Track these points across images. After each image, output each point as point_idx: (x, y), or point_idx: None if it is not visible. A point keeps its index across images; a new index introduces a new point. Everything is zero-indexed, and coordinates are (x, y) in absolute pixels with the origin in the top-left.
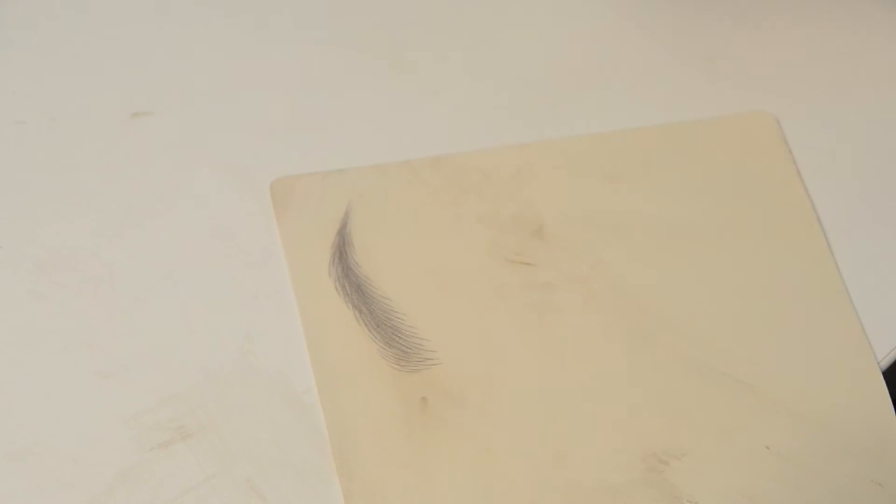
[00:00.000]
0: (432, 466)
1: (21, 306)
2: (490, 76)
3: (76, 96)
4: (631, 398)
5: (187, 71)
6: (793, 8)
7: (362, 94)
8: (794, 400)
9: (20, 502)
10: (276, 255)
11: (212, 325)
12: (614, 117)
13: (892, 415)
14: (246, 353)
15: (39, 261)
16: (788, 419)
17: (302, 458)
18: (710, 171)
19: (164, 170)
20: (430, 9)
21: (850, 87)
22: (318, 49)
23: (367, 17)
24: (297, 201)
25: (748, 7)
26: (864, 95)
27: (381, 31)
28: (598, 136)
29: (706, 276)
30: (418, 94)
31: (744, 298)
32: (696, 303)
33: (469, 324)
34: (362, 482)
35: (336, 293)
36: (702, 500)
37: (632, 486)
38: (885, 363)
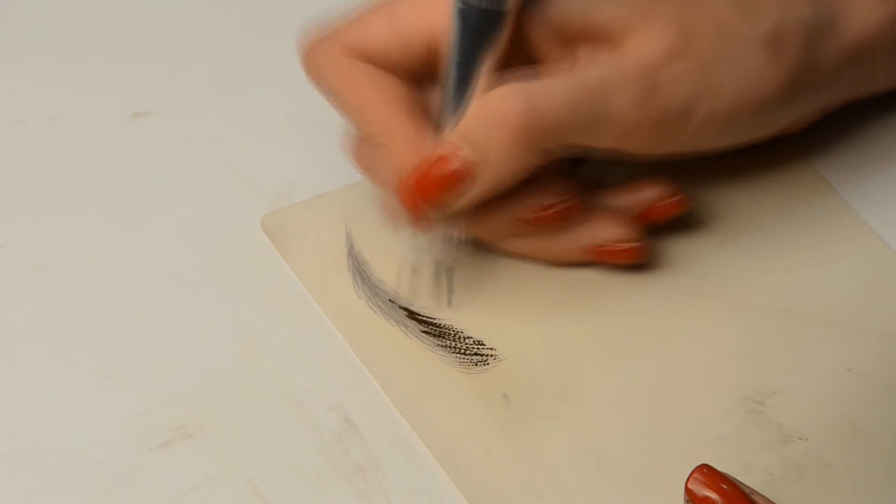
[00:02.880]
0: (541, 456)
1: (21, 306)
2: None
3: (76, 96)
4: (705, 352)
5: (187, 71)
6: None
7: None
8: (852, 319)
9: (20, 502)
10: (277, 255)
11: (212, 325)
12: None
13: None
14: (246, 353)
15: (39, 261)
16: (857, 338)
17: (302, 458)
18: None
19: (164, 170)
20: None
21: None
22: None
23: None
24: (293, 233)
25: None
26: None
27: None
28: None
29: (736, 229)
30: None
31: (775, 242)
32: (738, 254)
33: (515, 312)
34: (484, 486)
35: (374, 313)
36: (810, 434)
37: (740, 430)
38: None
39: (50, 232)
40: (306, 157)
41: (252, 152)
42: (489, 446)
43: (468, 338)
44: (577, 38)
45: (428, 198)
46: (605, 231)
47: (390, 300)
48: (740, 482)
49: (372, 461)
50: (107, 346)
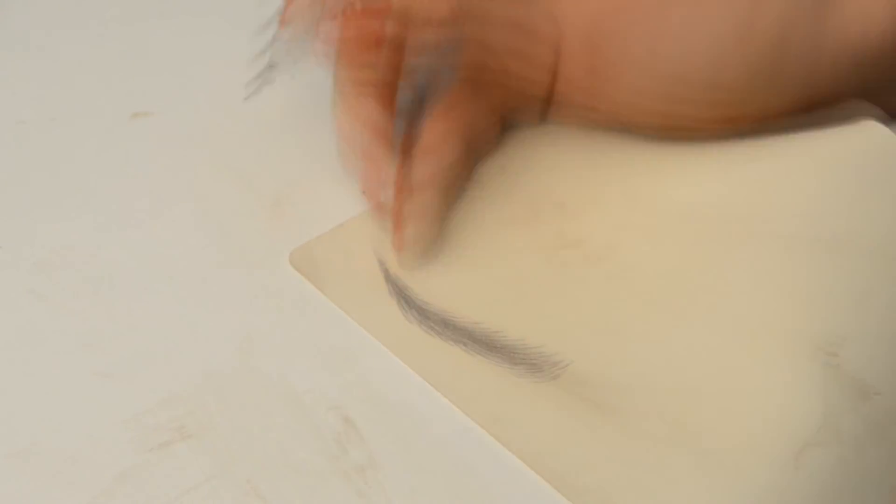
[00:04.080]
0: (634, 453)
1: (21, 306)
2: None
3: (76, 96)
4: (757, 299)
5: (187, 71)
6: None
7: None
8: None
9: (20, 502)
10: (277, 255)
11: (212, 325)
12: None
13: None
14: (246, 353)
15: (39, 261)
16: None
17: (302, 458)
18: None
19: (164, 170)
20: None
21: None
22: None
23: None
24: (324, 266)
25: None
26: None
27: None
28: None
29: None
30: None
31: (799, 164)
32: (760, 182)
33: (566, 316)
34: (587, 492)
35: (431, 336)
36: (883, 387)
37: (822, 390)
38: None
39: (50, 232)
40: (306, 156)
41: (252, 152)
42: (584, 449)
43: (529, 347)
44: None
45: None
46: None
47: (444, 320)
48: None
49: (372, 461)
50: (107, 346)
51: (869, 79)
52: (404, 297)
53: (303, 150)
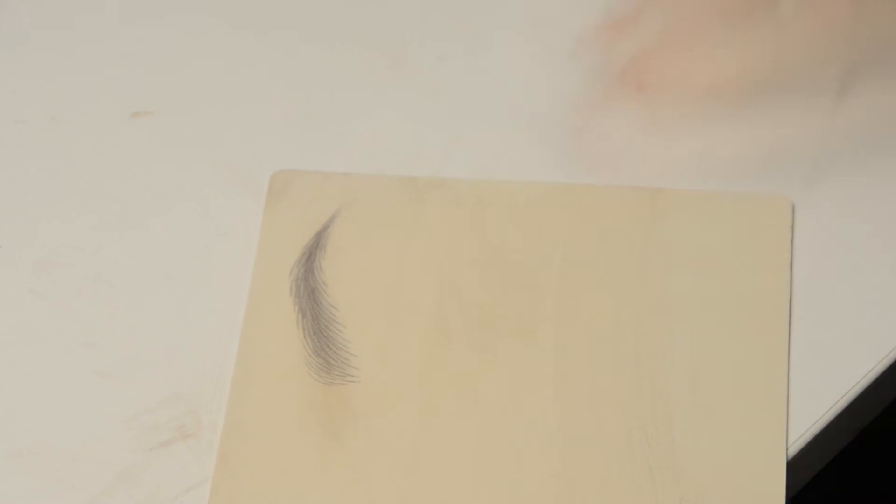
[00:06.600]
0: (308, 481)
1: (21, 306)
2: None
3: (76, 96)
4: (532, 459)
5: (187, 71)
6: None
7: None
8: (687, 492)
9: (20, 502)
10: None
11: (212, 325)
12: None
13: None
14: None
15: (39, 261)
16: None
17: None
18: (704, 246)
19: (164, 170)
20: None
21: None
22: (321, 48)
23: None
24: (291, 195)
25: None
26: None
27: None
28: (612, 188)
29: (654, 347)
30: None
31: (681, 379)
32: (632, 373)
33: (402, 352)
34: (232, 480)
35: (289, 292)
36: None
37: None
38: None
39: (50, 232)
40: (306, 156)
41: (252, 152)
42: (274, 449)
43: (344, 350)
44: None
45: None
46: None
47: (314, 287)
48: None
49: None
50: (107, 346)
51: None
52: (311, 252)
53: (303, 150)
